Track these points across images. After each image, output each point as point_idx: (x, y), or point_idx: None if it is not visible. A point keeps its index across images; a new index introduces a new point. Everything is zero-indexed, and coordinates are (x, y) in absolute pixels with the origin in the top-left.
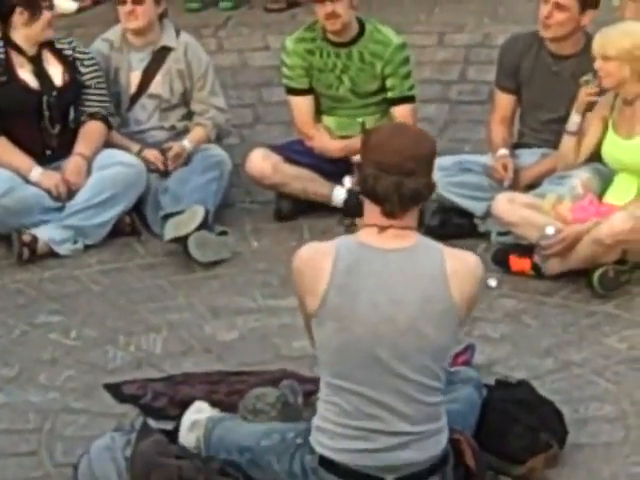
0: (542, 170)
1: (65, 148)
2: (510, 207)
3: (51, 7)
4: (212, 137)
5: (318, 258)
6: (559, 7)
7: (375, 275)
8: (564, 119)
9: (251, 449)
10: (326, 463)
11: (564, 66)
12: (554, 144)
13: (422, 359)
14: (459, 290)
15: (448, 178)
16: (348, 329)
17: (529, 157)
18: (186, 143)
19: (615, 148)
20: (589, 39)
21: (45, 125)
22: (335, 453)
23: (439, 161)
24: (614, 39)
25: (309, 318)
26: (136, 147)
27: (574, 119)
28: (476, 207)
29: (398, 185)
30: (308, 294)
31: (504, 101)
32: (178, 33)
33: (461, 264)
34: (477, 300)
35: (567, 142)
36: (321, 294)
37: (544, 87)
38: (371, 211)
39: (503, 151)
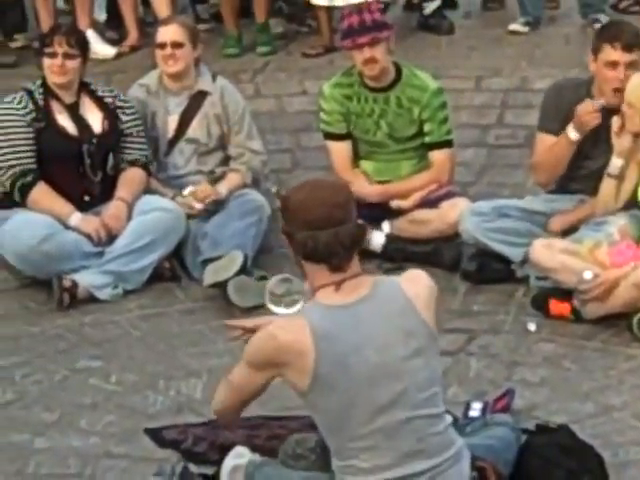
0: (580, 215)
1: (104, 195)
2: (548, 253)
3: (54, 54)
4: (248, 181)
5: (295, 334)
6: (632, 65)
7: (352, 333)
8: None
9: None
10: None
11: (609, 118)
12: (589, 192)
13: (421, 392)
14: (426, 310)
15: (486, 224)
16: (345, 392)
17: (567, 203)
18: (222, 189)
19: None
20: None
21: (86, 172)
22: None
23: (476, 206)
24: (636, 87)
25: (259, 388)
26: (171, 193)
27: (615, 163)
28: (514, 253)
29: (337, 236)
30: (293, 372)
31: (549, 142)
32: (214, 77)
33: (415, 285)
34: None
35: (608, 186)
36: (311, 370)
37: (593, 137)
38: (317, 272)
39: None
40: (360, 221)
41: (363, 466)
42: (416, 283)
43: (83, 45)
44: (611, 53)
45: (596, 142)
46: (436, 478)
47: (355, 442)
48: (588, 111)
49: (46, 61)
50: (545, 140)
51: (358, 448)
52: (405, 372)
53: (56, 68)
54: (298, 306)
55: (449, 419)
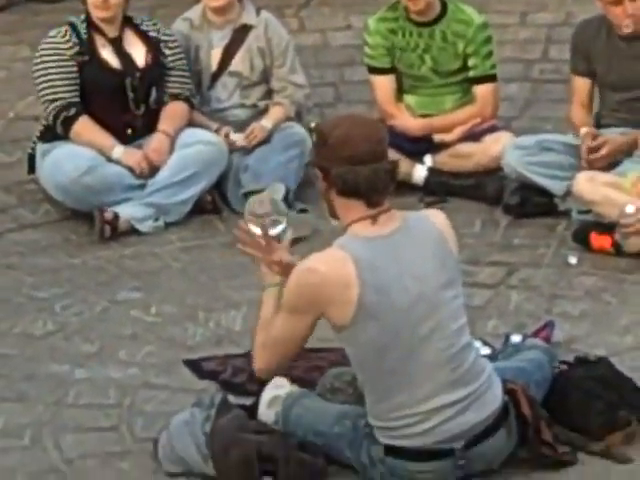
0: (625, 144)
1: (147, 128)
2: (591, 186)
3: None
4: (291, 114)
5: (338, 266)
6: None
7: (393, 262)
8: None
9: (325, 434)
10: (392, 451)
11: (636, 47)
12: (632, 123)
13: (454, 322)
14: (452, 242)
15: (528, 157)
16: (389, 322)
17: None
18: (265, 122)
19: None
20: None
21: (129, 106)
22: (399, 440)
23: (520, 140)
24: None
25: (303, 336)
26: (215, 126)
27: None
28: (556, 186)
29: (376, 172)
30: (337, 305)
31: (581, 85)
32: (258, 12)
33: (441, 219)
34: None
35: None
36: (356, 299)
37: (619, 69)
38: (353, 207)
39: (585, 129)
40: (393, 158)
41: (400, 400)
42: (442, 219)
43: None
44: None
45: (621, 73)
46: (470, 406)
47: (393, 375)
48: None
49: None
50: (577, 82)
51: (396, 381)
52: (441, 302)
53: (99, 3)
54: (280, 227)
55: (477, 347)
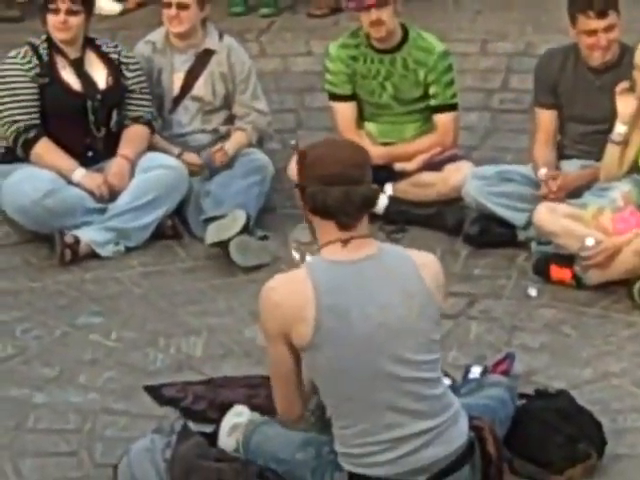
0: (583, 178)
1: (107, 151)
2: (551, 217)
3: (56, 10)
4: (253, 140)
5: (296, 286)
6: (609, 29)
7: (356, 288)
8: (605, 131)
9: (287, 461)
10: (355, 479)
11: (603, 79)
12: (594, 156)
13: (419, 355)
14: (431, 280)
15: (489, 187)
16: (347, 347)
17: (569, 168)
18: (227, 147)
19: None
20: (624, 48)
21: (90, 128)
22: (363, 468)
23: (480, 170)
24: None
25: (288, 361)
26: (176, 150)
27: (619, 129)
28: (517, 217)
29: (348, 194)
30: (295, 325)
31: (546, 118)
32: (221, 36)
33: (424, 258)
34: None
35: (611, 152)
36: (313, 320)
37: (585, 101)
38: (326, 228)
39: (544, 170)
40: (374, 185)
41: (363, 427)
42: (425, 258)
43: (87, 0)
44: (587, 22)
45: (587, 105)
46: (436, 439)
47: (354, 402)
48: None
49: (49, 17)
50: (542, 115)
51: (357, 408)
52: (404, 333)
53: (59, 24)
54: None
55: (446, 383)
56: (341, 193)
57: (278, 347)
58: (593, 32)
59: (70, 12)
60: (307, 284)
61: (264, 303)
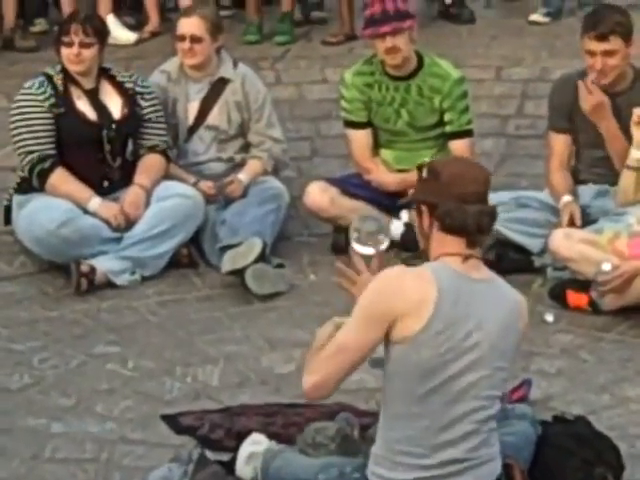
0: None
1: (123, 180)
2: (567, 242)
3: (69, 44)
4: (269, 169)
5: (423, 282)
6: (609, 54)
7: (469, 305)
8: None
9: None
10: None
11: (617, 103)
12: (609, 179)
13: (491, 386)
14: (522, 323)
15: (505, 214)
16: (442, 356)
17: (584, 193)
18: (242, 176)
19: None
20: (637, 72)
21: (106, 158)
22: (395, 473)
23: (496, 196)
24: None
25: (367, 346)
26: (192, 179)
27: (634, 155)
28: (533, 243)
29: (482, 213)
30: (408, 316)
31: (560, 143)
32: (236, 65)
33: (522, 299)
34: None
35: (627, 178)
36: (426, 319)
37: (597, 126)
38: (451, 243)
39: (567, 198)
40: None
41: (411, 434)
42: (523, 300)
43: (100, 32)
44: (587, 43)
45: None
46: (469, 471)
47: (419, 407)
48: (589, 98)
49: (63, 50)
50: (556, 140)
51: (417, 415)
52: (489, 364)
53: (73, 57)
54: (384, 246)
55: (495, 426)
56: (477, 211)
57: (370, 332)
58: (592, 53)
59: (83, 45)
60: (433, 285)
61: (384, 284)
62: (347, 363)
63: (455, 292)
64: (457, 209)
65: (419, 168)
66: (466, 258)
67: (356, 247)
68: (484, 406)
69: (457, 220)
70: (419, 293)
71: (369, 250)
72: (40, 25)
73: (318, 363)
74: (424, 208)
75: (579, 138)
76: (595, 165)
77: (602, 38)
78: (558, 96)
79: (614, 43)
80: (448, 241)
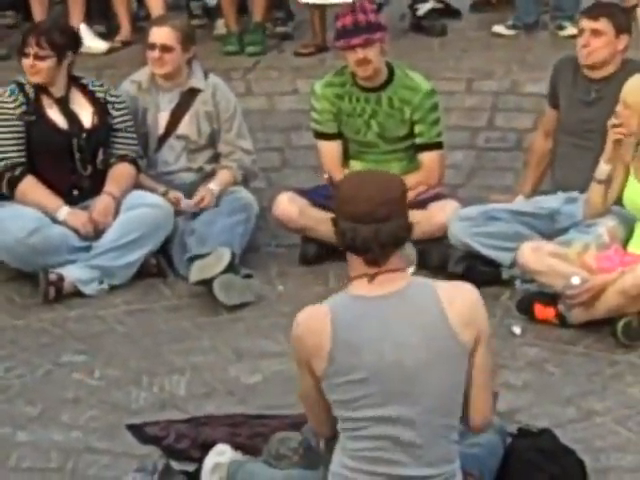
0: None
1: (93, 189)
2: (535, 256)
3: (26, 54)
4: (238, 179)
5: (315, 321)
6: (595, 33)
7: (375, 325)
8: (592, 147)
9: None
10: None
11: (598, 90)
12: (580, 182)
13: (435, 400)
14: (458, 317)
15: (474, 228)
16: (358, 383)
17: (553, 202)
18: (213, 186)
19: (636, 195)
20: (626, 63)
21: (76, 166)
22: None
23: (465, 211)
24: (635, 89)
25: (313, 389)
26: (162, 189)
27: (603, 168)
28: (503, 257)
29: (376, 233)
30: (313, 358)
31: (550, 115)
32: (206, 75)
33: (454, 293)
34: (487, 325)
35: (596, 191)
36: (327, 355)
37: (577, 114)
38: (355, 262)
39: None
40: (410, 220)
41: (365, 454)
42: (456, 292)
43: (57, 45)
44: (580, 23)
45: (581, 119)
46: None
47: (363, 430)
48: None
49: (23, 60)
50: (547, 111)
51: (366, 436)
52: (420, 375)
53: (28, 68)
54: (410, 270)
55: (457, 439)
56: (369, 232)
57: (304, 375)
58: (582, 31)
59: (38, 57)
60: (327, 320)
61: (292, 335)
62: (312, 402)
63: (351, 318)
64: (348, 228)
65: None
66: (372, 277)
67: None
68: (436, 421)
69: (347, 239)
70: (314, 333)
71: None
72: (10, 18)
73: (305, 412)
74: (332, 224)
75: (560, 119)
76: (568, 155)
77: (593, 17)
78: (553, 73)
79: (603, 24)
80: (352, 259)
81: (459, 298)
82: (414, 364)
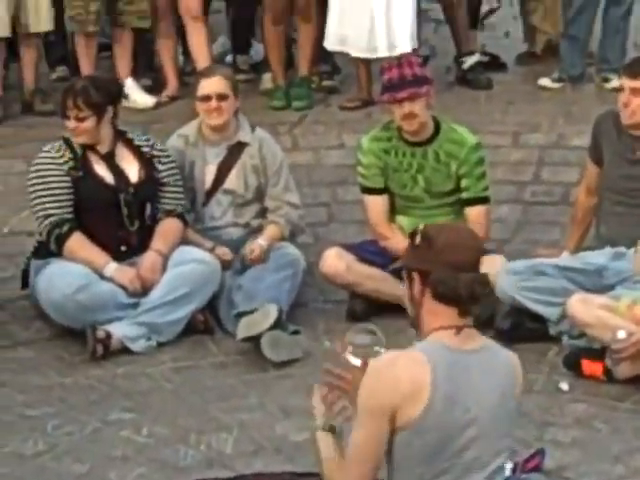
0: None
1: (141, 244)
2: (584, 307)
3: (68, 117)
4: (286, 234)
5: (417, 366)
6: (635, 92)
7: (465, 379)
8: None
9: None
10: None
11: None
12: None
13: (496, 454)
14: (518, 385)
15: (522, 283)
16: (445, 436)
17: (600, 258)
18: (262, 241)
19: None
20: None
21: (124, 222)
22: None
23: (512, 265)
24: None
25: (376, 440)
26: (209, 244)
27: None
28: (549, 312)
29: (475, 280)
30: (406, 403)
31: (591, 170)
32: (253, 129)
33: (516, 360)
34: None
35: None
36: (425, 403)
37: (621, 171)
38: (443, 313)
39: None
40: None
41: None
42: (517, 361)
43: (95, 103)
44: (621, 80)
45: (626, 177)
46: None
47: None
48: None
49: (65, 122)
50: (589, 166)
51: None
52: (490, 434)
53: (71, 130)
54: (382, 350)
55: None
56: (470, 279)
57: (377, 423)
58: (622, 89)
59: (78, 119)
60: (426, 367)
61: (376, 379)
62: (371, 457)
63: (449, 370)
64: (450, 277)
65: (411, 234)
66: (459, 330)
67: (351, 360)
68: (492, 477)
69: (450, 288)
70: (413, 380)
71: (356, 362)
72: (60, 72)
73: (345, 471)
74: (415, 275)
75: (604, 175)
76: (614, 212)
77: (632, 75)
78: (596, 128)
79: None
80: (440, 311)
81: (519, 367)
82: (489, 422)
